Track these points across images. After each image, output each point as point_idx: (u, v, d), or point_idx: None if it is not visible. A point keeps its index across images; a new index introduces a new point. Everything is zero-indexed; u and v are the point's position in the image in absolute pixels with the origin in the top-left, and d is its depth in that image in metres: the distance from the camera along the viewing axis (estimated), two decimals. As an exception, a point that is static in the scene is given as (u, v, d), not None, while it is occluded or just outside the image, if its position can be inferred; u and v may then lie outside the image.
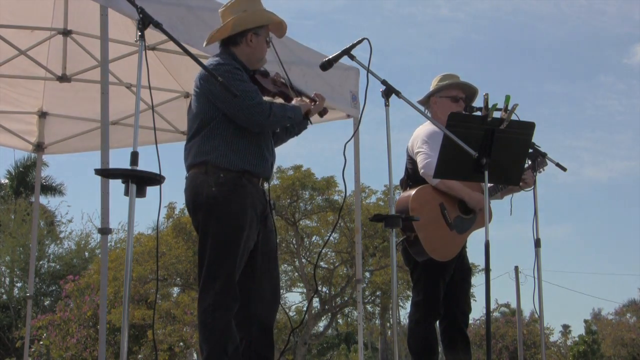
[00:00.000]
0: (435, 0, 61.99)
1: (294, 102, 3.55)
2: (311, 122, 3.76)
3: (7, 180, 25.65)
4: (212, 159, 3.33)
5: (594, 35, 63.33)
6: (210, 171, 3.32)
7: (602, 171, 56.69)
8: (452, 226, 4.21)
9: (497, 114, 3.72)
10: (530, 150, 4.37)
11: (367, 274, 18.26)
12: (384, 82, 3.48)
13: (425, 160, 4.16)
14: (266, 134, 3.51)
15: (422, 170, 4.19)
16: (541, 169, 4.50)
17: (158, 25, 2.92)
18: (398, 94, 3.46)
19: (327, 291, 18.37)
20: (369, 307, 20.04)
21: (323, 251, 18.23)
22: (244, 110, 3.29)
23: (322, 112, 3.68)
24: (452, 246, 4.24)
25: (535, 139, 3.90)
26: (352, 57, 3.54)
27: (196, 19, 4.46)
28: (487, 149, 3.52)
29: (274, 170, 3.71)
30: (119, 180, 2.79)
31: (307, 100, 3.63)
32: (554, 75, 62.96)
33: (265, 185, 3.51)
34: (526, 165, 4.32)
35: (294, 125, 3.71)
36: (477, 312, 29.35)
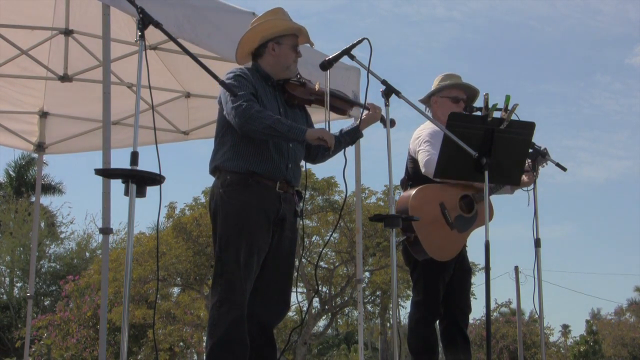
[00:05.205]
0: (431, -1, 62.05)
1: (321, 125, 3.51)
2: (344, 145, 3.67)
3: (5, 180, 25.65)
4: (221, 164, 3.41)
5: (590, 34, 63.37)
6: (221, 176, 3.41)
7: (599, 171, 56.71)
8: (453, 226, 4.20)
9: (497, 114, 3.73)
10: (530, 150, 4.38)
11: (367, 274, 18.24)
12: (384, 82, 3.48)
13: (426, 158, 4.16)
14: None
15: (423, 169, 4.19)
16: (544, 164, 4.50)
17: (158, 25, 2.93)
18: (398, 93, 3.47)
19: (327, 291, 18.36)
20: (369, 307, 20.03)
21: (323, 251, 18.21)
22: (228, 112, 3.32)
23: (391, 123, 3.52)
24: (452, 246, 4.23)
25: (533, 138, 3.91)
26: (352, 57, 3.54)
27: (202, 18, 4.47)
28: (487, 149, 3.52)
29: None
30: (120, 180, 2.80)
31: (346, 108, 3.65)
32: (550, 74, 62.99)
33: (290, 190, 3.52)
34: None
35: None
36: (477, 312, 29.38)
